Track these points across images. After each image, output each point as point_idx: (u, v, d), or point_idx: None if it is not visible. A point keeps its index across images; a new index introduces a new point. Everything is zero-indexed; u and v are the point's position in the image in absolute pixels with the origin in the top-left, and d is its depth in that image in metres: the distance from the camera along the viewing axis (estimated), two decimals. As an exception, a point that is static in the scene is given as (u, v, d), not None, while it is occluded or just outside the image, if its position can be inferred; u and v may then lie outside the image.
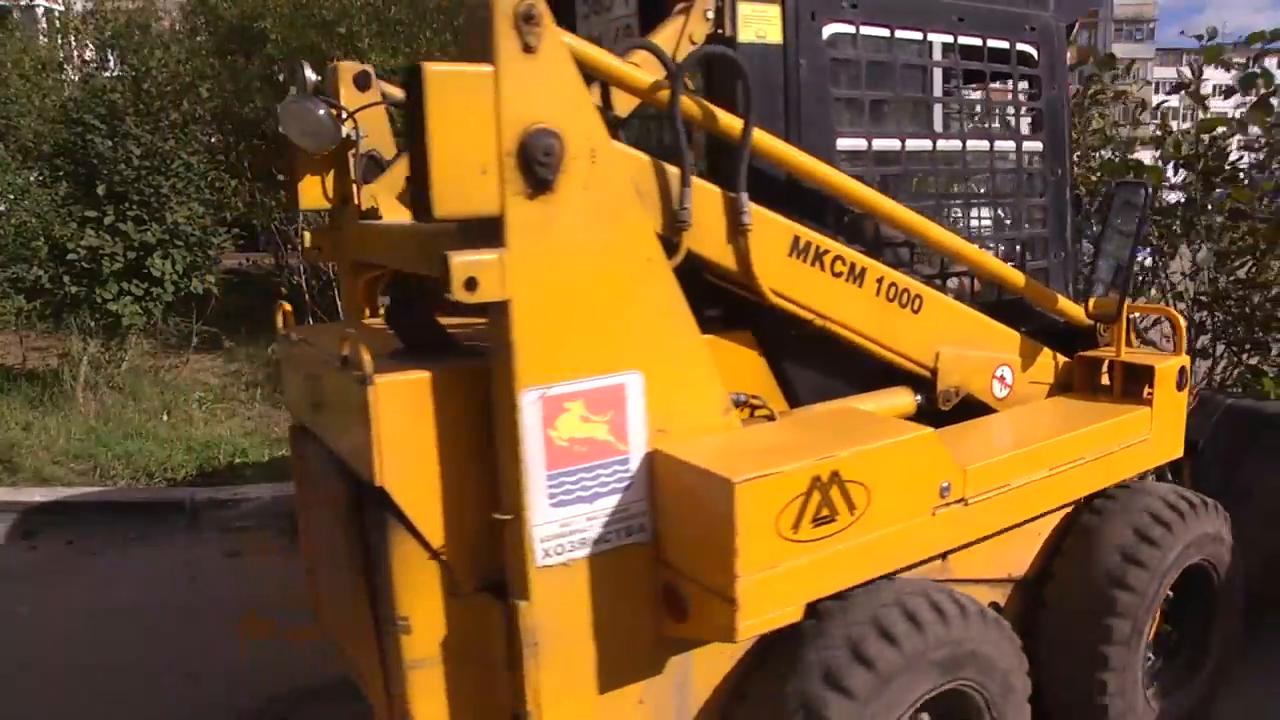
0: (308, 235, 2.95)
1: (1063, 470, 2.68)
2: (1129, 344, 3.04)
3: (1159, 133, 5.51)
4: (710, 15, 2.31)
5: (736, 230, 2.19)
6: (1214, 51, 5.27)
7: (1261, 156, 5.30)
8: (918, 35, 2.66)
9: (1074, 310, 2.99)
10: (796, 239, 2.31)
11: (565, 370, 1.88)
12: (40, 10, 23.99)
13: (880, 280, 2.46)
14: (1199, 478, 3.39)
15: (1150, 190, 3.07)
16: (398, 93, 2.94)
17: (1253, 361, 5.19)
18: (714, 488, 1.89)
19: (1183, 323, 3.25)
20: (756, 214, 2.22)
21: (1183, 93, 5.63)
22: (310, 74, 2.69)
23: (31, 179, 8.35)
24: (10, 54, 11.27)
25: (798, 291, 2.33)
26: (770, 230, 2.26)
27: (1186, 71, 5.59)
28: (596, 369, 1.92)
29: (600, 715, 2.06)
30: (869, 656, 2.10)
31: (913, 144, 2.69)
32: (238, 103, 9.75)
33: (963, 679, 2.29)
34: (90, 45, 10.78)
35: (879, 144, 2.61)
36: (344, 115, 2.71)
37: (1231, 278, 5.24)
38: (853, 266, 2.41)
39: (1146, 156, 5.62)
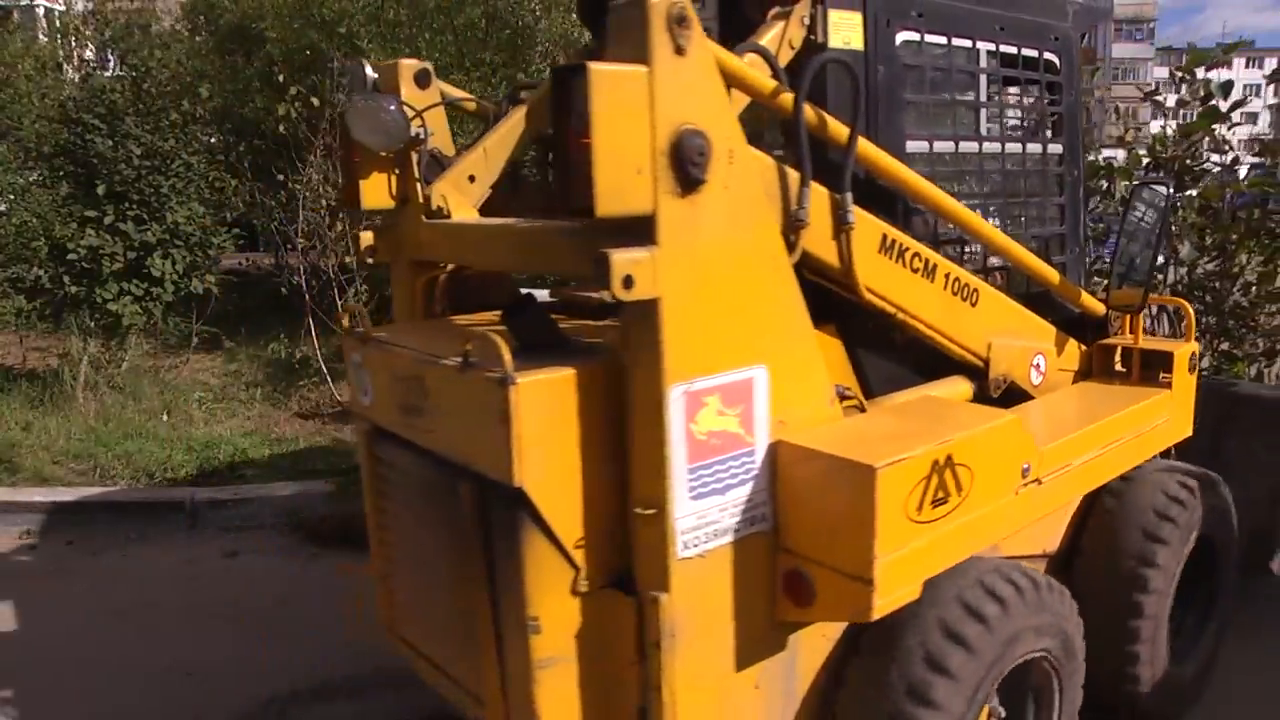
0: (366, 235, 2.88)
1: (1109, 449, 2.87)
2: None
3: (1126, 134, 5.87)
4: (806, 21, 2.40)
5: (840, 229, 2.30)
6: (1198, 57, 5.55)
7: (1228, 160, 5.59)
8: (968, 43, 2.82)
9: (1092, 302, 3.19)
10: (885, 236, 2.43)
11: (705, 366, 1.95)
12: (40, 10, 24.00)
13: (947, 275, 2.61)
14: (1185, 455, 3.58)
15: (1172, 191, 3.28)
16: (456, 92, 2.96)
17: (1224, 347, 5.47)
18: (854, 474, 1.97)
19: (1192, 312, 3.46)
20: (856, 214, 2.32)
21: (1150, 100, 5.97)
22: (370, 72, 2.68)
23: (32, 179, 8.36)
24: (14, 55, 11.28)
25: (884, 287, 2.45)
26: (865, 229, 2.37)
27: (1164, 73, 5.86)
28: (731, 364, 1.99)
29: (723, 702, 2.13)
30: (983, 613, 2.29)
31: (965, 146, 2.89)
32: (238, 103, 9.77)
33: (1045, 650, 2.48)
34: (90, 45, 10.77)
35: (938, 146, 2.76)
36: (412, 114, 2.70)
37: (1203, 271, 5.53)
38: (926, 262, 2.54)
39: (1124, 156, 5.92)
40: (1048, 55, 3.06)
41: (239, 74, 10.09)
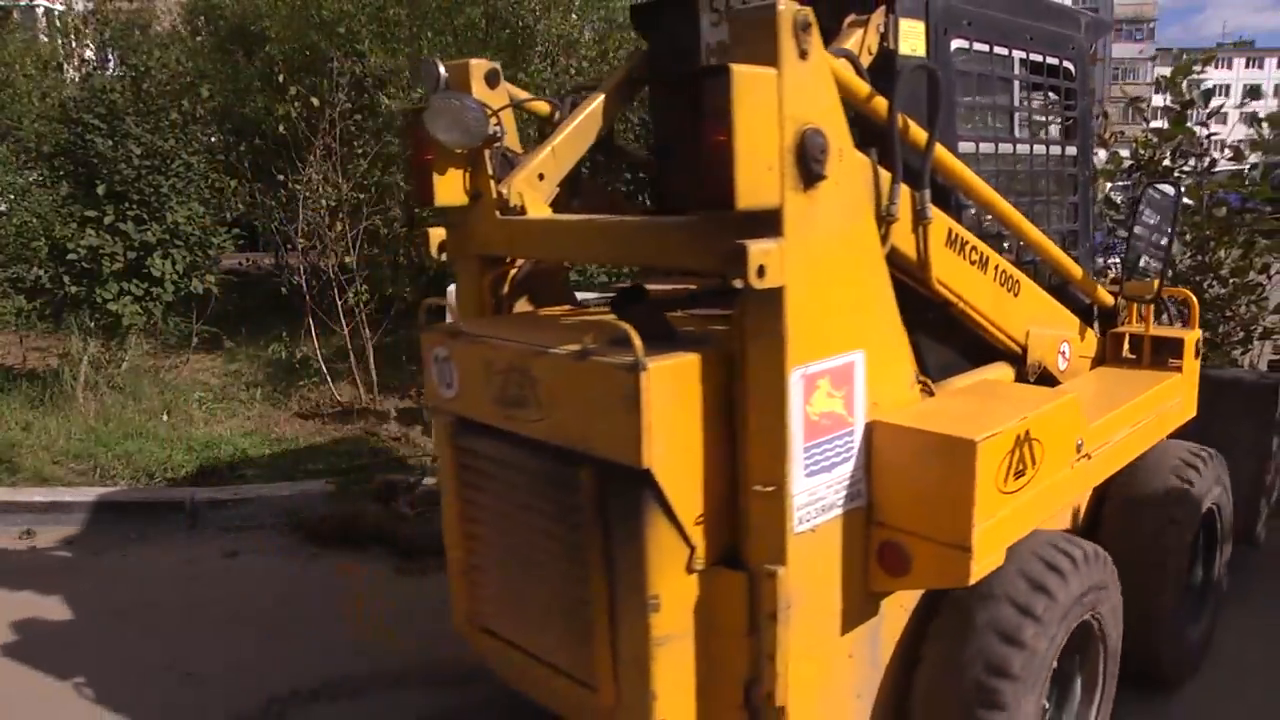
0: (438, 231, 2.88)
1: (1138, 427, 3.12)
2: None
3: (1108, 136, 6.15)
4: (881, 29, 2.52)
5: (919, 224, 2.45)
6: (1183, 67, 5.91)
7: (1206, 162, 5.89)
8: (1005, 51, 3.00)
9: (1104, 293, 3.46)
10: (950, 231, 2.58)
11: (819, 350, 2.10)
12: (40, 10, 24.00)
13: (996, 267, 2.77)
14: (1177, 436, 3.74)
15: (1181, 190, 3.52)
16: (520, 93, 3.04)
17: (1205, 335, 5.62)
18: (956, 448, 2.13)
19: (1196, 303, 3.71)
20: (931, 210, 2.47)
21: (1133, 104, 6.44)
22: (442, 71, 2.72)
23: (32, 179, 8.35)
24: (14, 55, 11.27)
25: (950, 278, 2.60)
26: (937, 224, 2.51)
27: (1163, 73, 6.19)
28: (838, 348, 2.15)
29: (824, 670, 2.27)
30: (1059, 566, 2.49)
31: (1002, 147, 3.08)
32: (238, 103, 9.76)
33: (1097, 613, 2.66)
34: (90, 45, 10.77)
35: (983, 147, 2.93)
36: (490, 113, 2.74)
37: (1184, 265, 5.82)
38: (981, 255, 2.71)
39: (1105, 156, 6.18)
40: (1066, 63, 3.22)
41: (239, 74, 10.09)
